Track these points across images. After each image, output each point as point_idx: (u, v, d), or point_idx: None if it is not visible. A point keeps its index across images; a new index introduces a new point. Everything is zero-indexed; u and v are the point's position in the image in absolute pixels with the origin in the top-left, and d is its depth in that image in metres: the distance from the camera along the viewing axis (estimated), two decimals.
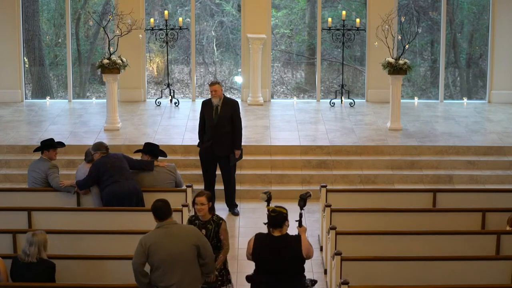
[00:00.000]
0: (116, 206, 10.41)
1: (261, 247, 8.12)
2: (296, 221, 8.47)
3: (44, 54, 17.95)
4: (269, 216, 8.09)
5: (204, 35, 18.76)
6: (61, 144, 11.25)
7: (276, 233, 8.09)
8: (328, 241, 9.88)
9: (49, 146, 10.99)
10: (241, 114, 12.31)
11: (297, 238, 8.10)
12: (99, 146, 10.87)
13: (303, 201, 8.56)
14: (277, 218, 8.06)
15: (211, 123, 12.13)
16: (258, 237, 8.23)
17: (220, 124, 12.08)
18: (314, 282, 8.41)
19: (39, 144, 11.17)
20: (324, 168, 13.69)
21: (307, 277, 8.32)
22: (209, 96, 12.21)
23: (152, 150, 11.28)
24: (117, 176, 10.55)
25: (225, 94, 12.30)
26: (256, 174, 13.41)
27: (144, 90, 17.25)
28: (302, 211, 8.58)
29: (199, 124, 12.37)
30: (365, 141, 14.23)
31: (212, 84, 12.13)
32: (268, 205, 8.55)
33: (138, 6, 16.65)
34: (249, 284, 8.44)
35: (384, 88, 16.09)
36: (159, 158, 11.38)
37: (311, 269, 10.28)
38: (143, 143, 11.64)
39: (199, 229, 8.49)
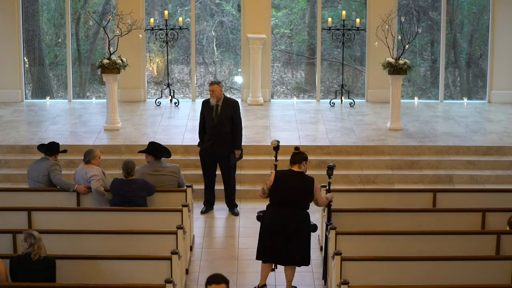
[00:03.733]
0: None
1: (281, 178, 9.47)
2: (325, 189, 10.23)
3: (44, 54, 17.95)
4: (292, 154, 9.53)
5: (204, 35, 18.77)
6: (64, 151, 11.39)
7: (295, 168, 9.50)
8: (328, 241, 9.88)
9: (55, 151, 11.06)
10: (241, 114, 12.30)
11: (312, 179, 9.51)
12: (122, 166, 10.65)
13: (331, 170, 10.00)
14: (299, 154, 9.53)
15: (211, 123, 12.13)
16: (279, 171, 9.68)
17: (220, 124, 12.07)
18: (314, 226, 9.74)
19: (39, 143, 11.16)
20: (324, 168, 13.62)
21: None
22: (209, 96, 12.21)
23: (154, 150, 11.23)
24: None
25: (225, 94, 12.30)
26: (256, 174, 13.41)
27: (144, 90, 17.25)
28: (330, 179, 10.06)
29: (199, 124, 12.37)
30: (365, 141, 14.23)
31: (210, 84, 12.13)
32: (276, 152, 10.76)
33: (138, 6, 16.65)
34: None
35: (384, 88, 16.09)
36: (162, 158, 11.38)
37: (311, 269, 10.29)
38: (146, 143, 11.62)
39: None
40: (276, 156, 10.83)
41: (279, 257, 9.48)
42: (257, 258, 9.65)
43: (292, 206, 9.43)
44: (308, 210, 9.56)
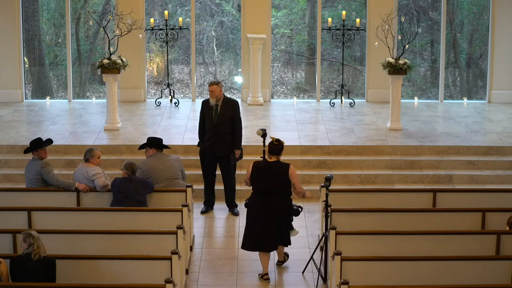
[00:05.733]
0: None
1: (258, 170, 9.94)
2: (323, 201, 10.16)
3: (44, 54, 17.95)
4: (271, 144, 9.88)
5: (204, 35, 18.76)
6: (48, 142, 11.06)
7: (272, 159, 9.92)
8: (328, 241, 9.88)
9: (36, 146, 10.91)
10: (241, 114, 12.30)
11: (287, 165, 9.90)
12: (125, 166, 10.71)
13: (328, 181, 9.80)
14: (278, 146, 9.89)
15: (211, 123, 12.13)
16: (256, 163, 10.08)
17: (220, 124, 12.08)
18: (300, 207, 10.22)
19: (29, 145, 11.05)
20: (324, 168, 13.68)
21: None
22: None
23: (157, 142, 11.44)
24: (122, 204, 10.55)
25: (225, 94, 12.30)
26: None
27: (144, 90, 17.25)
28: (327, 192, 9.89)
29: (199, 123, 12.37)
30: (365, 141, 14.23)
31: (210, 84, 12.13)
32: (264, 140, 11.12)
33: (138, 6, 16.65)
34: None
35: (384, 88, 16.10)
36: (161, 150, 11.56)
37: (311, 270, 10.28)
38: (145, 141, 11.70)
39: None
40: (264, 143, 11.09)
41: (259, 243, 9.91)
42: (242, 247, 10.14)
43: (272, 194, 9.87)
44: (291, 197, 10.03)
